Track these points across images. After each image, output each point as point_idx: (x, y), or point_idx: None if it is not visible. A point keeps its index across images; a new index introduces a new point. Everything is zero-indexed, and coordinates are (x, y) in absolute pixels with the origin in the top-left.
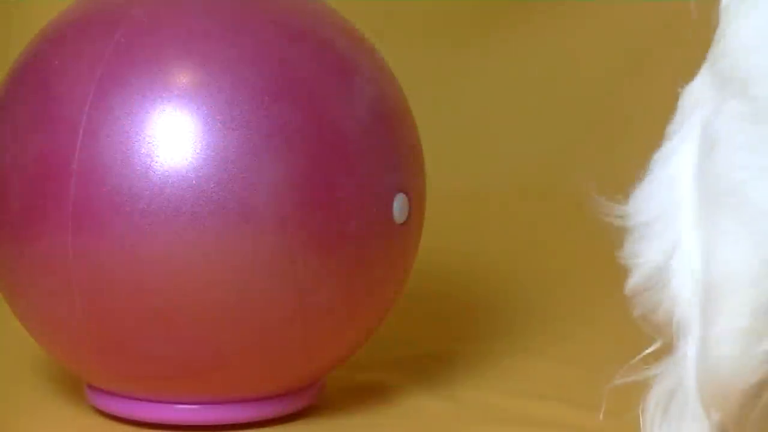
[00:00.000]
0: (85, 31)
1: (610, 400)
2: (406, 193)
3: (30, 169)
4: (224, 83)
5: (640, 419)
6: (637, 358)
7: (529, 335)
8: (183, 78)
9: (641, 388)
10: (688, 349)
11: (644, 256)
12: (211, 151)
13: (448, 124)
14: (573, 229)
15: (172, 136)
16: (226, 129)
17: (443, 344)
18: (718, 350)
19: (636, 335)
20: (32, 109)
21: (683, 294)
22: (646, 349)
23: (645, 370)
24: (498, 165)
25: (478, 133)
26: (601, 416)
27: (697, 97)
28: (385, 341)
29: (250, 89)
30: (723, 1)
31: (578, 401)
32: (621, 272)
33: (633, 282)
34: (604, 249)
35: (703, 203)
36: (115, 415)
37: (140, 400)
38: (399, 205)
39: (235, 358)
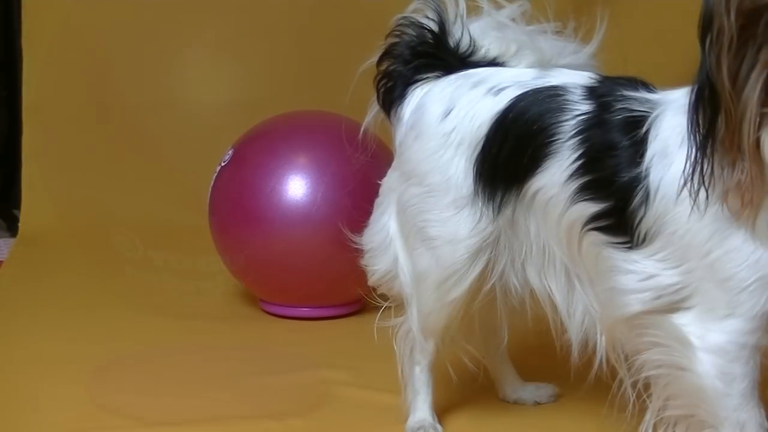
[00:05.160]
0: None
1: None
2: None
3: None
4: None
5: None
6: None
7: None
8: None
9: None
10: (411, 310)
11: (378, 264)
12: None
13: None
14: None
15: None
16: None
17: None
18: (425, 308)
19: None
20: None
21: (405, 281)
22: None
23: (392, 320)
24: None
25: None
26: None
27: (391, 185)
28: None
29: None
30: (397, 139)
31: None
32: None
33: (374, 277)
34: None
35: (404, 236)
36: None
37: (286, 306)
38: None
39: (321, 283)
